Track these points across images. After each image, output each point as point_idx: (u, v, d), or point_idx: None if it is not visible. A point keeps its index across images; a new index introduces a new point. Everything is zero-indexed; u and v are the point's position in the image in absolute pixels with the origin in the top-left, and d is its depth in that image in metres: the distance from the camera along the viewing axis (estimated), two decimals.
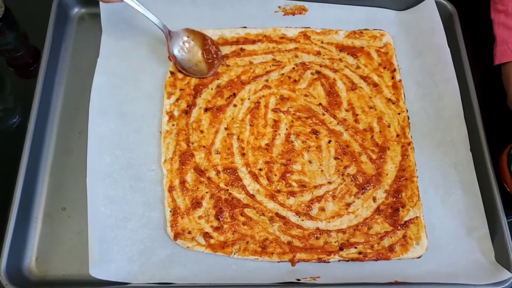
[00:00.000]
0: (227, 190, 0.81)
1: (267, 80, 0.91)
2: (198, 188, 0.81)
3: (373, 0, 0.98)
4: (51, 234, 0.78)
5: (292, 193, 0.82)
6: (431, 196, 0.83)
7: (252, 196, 0.81)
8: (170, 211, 0.79)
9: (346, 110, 0.89)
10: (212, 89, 0.89)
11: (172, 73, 0.90)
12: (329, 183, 0.83)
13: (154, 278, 0.74)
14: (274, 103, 0.89)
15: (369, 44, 0.96)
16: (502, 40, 0.87)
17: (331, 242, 0.78)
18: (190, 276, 0.75)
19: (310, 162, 0.85)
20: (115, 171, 0.81)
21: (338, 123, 0.88)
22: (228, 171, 0.82)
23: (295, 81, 0.92)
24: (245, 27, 0.95)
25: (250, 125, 0.87)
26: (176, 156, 0.83)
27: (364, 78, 0.92)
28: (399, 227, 0.80)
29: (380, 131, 0.88)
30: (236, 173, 0.82)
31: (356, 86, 0.91)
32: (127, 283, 0.73)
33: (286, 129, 0.87)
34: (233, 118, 0.87)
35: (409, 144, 0.86)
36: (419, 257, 0.78)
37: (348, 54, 0.95)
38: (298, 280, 0.75)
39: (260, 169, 0.83)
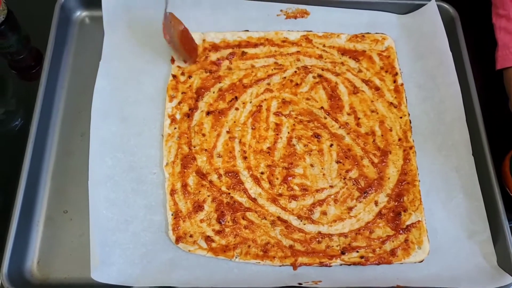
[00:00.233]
0: (229, 193, 0.81)
1: (269, 84, 0.91)
2: (200, 191, 0.81)
3: (375, 4, 0.98)
4: (52, 237, 0.78)
5: (294, 197, 0.81)
6: (433, 200, 0.83)
7: (254, 200, 0.81)
8: (172, 215, 0.79)
9: (348, 114, 0.89)
10: (214, 92, 0.89)
11: (174, 76, 0.90)
12: (331, 187, 0.83)
13: (156, 282, 0.74)
14: (276, 106, 0.89)
15: (371, 48, 0.96)
16: (504, 45, 0.87)
17: (333, 246, 0.78)
18: (192, 280, 0.74)
19: (312, 165, 0.84)
20: (117, 174, 0.81)
21: (340, 127, 0.88)
22: (230, 174, 0.82)
23: (297, 84, 0.92)
24: (247, 31, 0.95)
25: (252, 128, 0.87)
26: (178, 159, 0.83)
27: (366, 81, 0.92)
28: (401, 231, 0.80)
29: (382, 135, 0.88)
30: (238, 176, 0.82)
31: (358, 90, 0.91)
32: (129, 287, 0.73)
33: (288, 132, 0.87)
34: (235, 122, 0.87)
35: (411, 148, 0.86)
36: (421, 261, 0.78)
37: (350, 57, 0.95)
38: (300, 284, 0.75)
39: (262, 173, 0.83)
